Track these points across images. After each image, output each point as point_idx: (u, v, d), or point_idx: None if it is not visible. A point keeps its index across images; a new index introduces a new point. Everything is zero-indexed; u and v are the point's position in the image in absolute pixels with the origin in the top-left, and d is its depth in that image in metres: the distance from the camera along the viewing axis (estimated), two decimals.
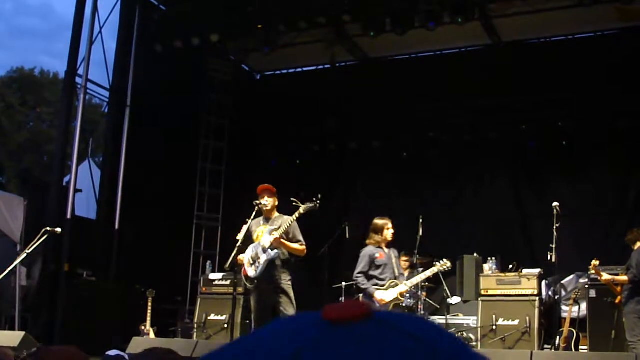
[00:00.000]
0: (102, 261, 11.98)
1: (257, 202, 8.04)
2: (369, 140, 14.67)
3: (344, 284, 11.36)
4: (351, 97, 14.32)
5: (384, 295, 8.32)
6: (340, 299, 11.27)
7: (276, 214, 8.20)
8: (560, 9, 12.02)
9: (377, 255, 8.49)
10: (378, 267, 8.47)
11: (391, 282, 8.41)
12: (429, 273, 8.94)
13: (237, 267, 8.05)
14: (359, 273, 8.45)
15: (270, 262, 7.86)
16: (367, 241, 8.70)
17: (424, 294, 10.73)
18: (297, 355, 0.61)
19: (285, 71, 15.88)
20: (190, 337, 11.32)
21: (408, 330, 0.64)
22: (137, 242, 12.43)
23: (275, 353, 0.63)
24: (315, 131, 14.95)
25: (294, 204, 7.84)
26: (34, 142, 32.79)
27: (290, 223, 7.82)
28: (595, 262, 9.51)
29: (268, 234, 7.91)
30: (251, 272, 7.97)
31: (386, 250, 8.66)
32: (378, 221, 8.75)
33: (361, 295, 8.58)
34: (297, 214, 7.79)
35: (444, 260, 9.16)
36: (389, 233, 8.65)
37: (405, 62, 14.56)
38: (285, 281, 7.90)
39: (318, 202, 7.79)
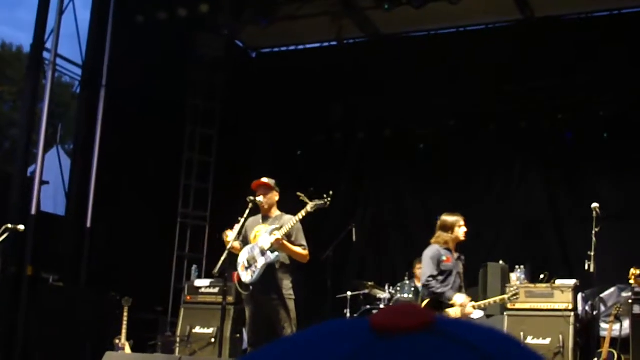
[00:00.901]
0: (71, 264, 11.92)
1: (252, 198, 7.99)
2: (379, 129, 14.62)
3: (349, 293, 11.33)
4: (360, 80, 14.25)
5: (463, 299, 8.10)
6: (345, 311, 11.23)
7: (276, 212, 8.16)
8: None
9: (444, 258, 8.33)
10: (442, 272, 8.30)
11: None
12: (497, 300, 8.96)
13: (227, 273, 8.01)
14: (429, 277, 8.19)
15: (269, 267, 7.81)
16: (433, 240, 8.52)
17: None
18: None
19: (284, 48, 15.80)
20: (171, 353, 11.26)
21: (476, 346, 0.61)
22: (112, 243, 12.38)
23: None
24: (319, 118, 14.90)
25: (300, 198, 7.78)
26: None
27: (294, 223, 7.78)
28: (635, 271, 9.35)
29: (267, 235, 7.87)
30: (246, 277, 7.93)
31: (455, 254, 8.48)
32: (448, 217, 8.58)
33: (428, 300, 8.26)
34: (303, 213, 7.75)
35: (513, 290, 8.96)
36: (461, 232, 8.50)
37: (422, 39, 14.49)
38: (286, 290, 7.87)
39: (329, 199, 7.74)
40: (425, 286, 8.36)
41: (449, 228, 8.45)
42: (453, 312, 8.00)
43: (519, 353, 0.64)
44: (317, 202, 7.75)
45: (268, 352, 0.66)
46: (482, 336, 0.63)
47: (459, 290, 8.35)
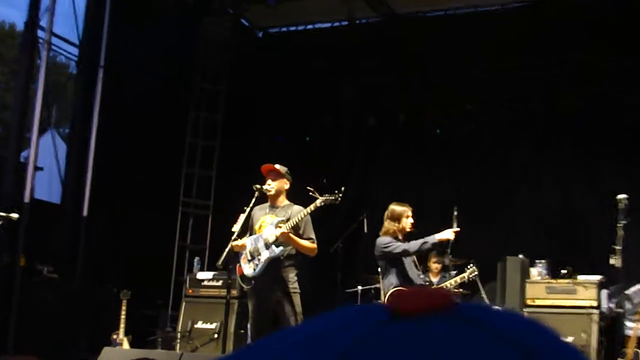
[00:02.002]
0: (67, 255, 11.93)
1: (258, 186, 7.97)
2: (392, 113, 14.58)
3: (360, 287, 11.34)
4: (372, 62, 14.21)
5: None
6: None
7: (285, 202, 8.14)
8: None
9: None
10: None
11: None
12: (457, 279, 9.24)
13: (231, 264, 8.00)
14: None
15: (273, 260, 7.79)
16: (381, 231, 8.84)
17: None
18: (346, 353, 0.60)
19: (292, 28, 15.74)
20: (172, 349, 11.28)
21: (502, 331, 0.61)
22: (110, 233, 12.39)
23: (320, 347, 0.62)
24: (328, 102, 14.87)
25: (310, 193, 7.78)
26: None
27: (303, 216, 7.76)
28: None
29: (273, 226, 7.85)
30: (248, 269, 7.92)
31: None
32: (396, 207, 8.94)
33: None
34: (311, 207, 7.76)
35: (471, 266, 9.19)
36: (408, 222, 8.88)
37: (438, 20, 14.39)
38: (292, 283, 7.85)
39: (340, 195, 7.74)
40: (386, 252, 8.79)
41: (396, 218, 8.81)
42: None
43: (544, 336, 0.64)
44: (328, 197, 7.75)
45: (280, 337, 0.67)
46: (505, 319, 0.63)
47: (418, 277, 8.84)
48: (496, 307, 0.67)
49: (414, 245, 8.69)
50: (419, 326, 0.61)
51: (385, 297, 8.69)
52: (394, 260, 8.77)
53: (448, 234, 8.81)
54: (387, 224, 8.82)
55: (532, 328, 0.64)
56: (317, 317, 0.68)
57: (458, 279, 9.39)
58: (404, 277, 8.69)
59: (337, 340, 0.62)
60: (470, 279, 9.35)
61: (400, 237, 8.81)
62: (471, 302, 0.62)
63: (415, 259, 9.08)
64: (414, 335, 0.60)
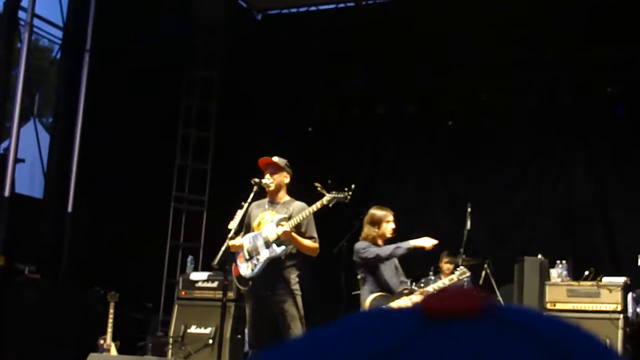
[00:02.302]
0: (50, 254, 11.94)
1: (257, 180, 7.94)
2: (402, 103, 14.56)
3: None
4: (380, 46, 14.18)
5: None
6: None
7: (285, 197, 8.12)
8: None
9: None
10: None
11: (404, 288, 8.89)
12: (446, 282, 9.50)
13: (227, 264, 7.97)
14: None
15: (274, 260, 7.77)
16: (361, 236, 9.07)
17: None
18: (381, 355, 0.61)
19: (294, 10, 15.72)
20: (163, 355, 11.28)
21: (539, 334, 0.62)
22: (97, 230, 12.38)
23: (355, 349, 0.62)
24: (333, 90, 14.86)
25: (318, 190, 7.75)
26: None
27: (306, 215, 7.73)
28: None
29: (274, 224, 7.82)
30: (245, 269, 7.90)
31: None
32: (376, 211, 9.11)
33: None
34: (318, 205, 7.74)
35: (462, 268, 9.35)
36: (388, 227, 9.04)
37: (451, 0, 14.36)
38: (293, 284, 7.83)
39: (349, 193, 7.72)
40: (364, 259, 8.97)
41: (376, 223, 8.99)
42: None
43: (586, 344, 0.64)
44: (336, 194, 7.73)
45: (307, 340, 0.68)
46: (545, 324, 0.63)
47: (399, 284, 9.00)
48: (537, 311, 0.69)
49: (385, 250, 8.80)
50: (458, 329, 0.61)
51: (365, 307, 8.70)
52: (372, 267, 8.88)
53: (425, 242, 8.93)
54: (367, 229, 8.98)
55: (574, 333, 0.64)
56: (346, 319, 0.68)
57: (447, 281, 9.56)
58: (381, 285, 8.84)
59: (375, 339, 0.62)
60: (461, 281, 9.38)
61: (380, 243, 8.94)
62: (511, 304, 0.63)
63: (398, 264, 9.18)
64: (452, 339, 0.61)
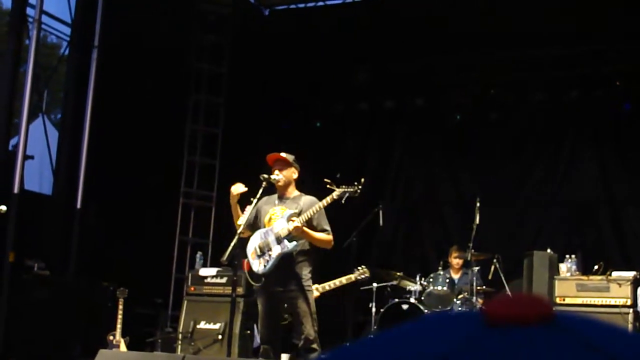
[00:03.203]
0: (59, 250, 11.94)
1: (265, 176, 7.94)
2: (410, 97, 14.56)
3: (375, 285, 11.31)
4: (388, 41, 14.16)
5: None
6: (370, 305, 11.21)
7: (295, 192, 8.11)
8: None
9: None
10: None
11: None
12: (343, 280, 9.79)
13: (236, 260, 7.97)
14: None
15: (285, 256, 7.77)
16: None
17: (481, 300, 10.68)
18: (446, 357, 0.62)
19: (302, 5, 15.70)
20: (173, 351, 11.28)
21: (597, 344, 0.63)
22: (105, 226, 12.39)
23: (420, 353, 0.64)
24: (341, 85, 14.85)
25: (327, 186, 7.76)
26: None
27: (318, 210, 7.73)
28: None
29: (285, 220, 7.81)
30: (258, 266, 7.90)
31: None
32: None
33: None
34: (328, 199, 7.73)
35: (362, 267, 9.63)
36: None
37: None
38: (306, 280, 7.83)
39: (359, 187, 7.72)
40: None
41: None
42: None
43: None
44: (346, 189, 7.72)
45: (371, 343, 0.69)
46: (609, 335, 0.64)
47: None
48: (595, 319, 0.69)
49: None
50: (518, 337, 0.63)
51: None
52: None
53: None
54: None
55: (632, 342, 0.65)
56: (410, 323, 0.71)
57: (344, 279, 9.77)
58: None
59: (439, 343, 0.64)
60: (359, 280, 9.66)
61: None
62: (571, 312, 0.63)
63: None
64: (512, 347, 0.62)
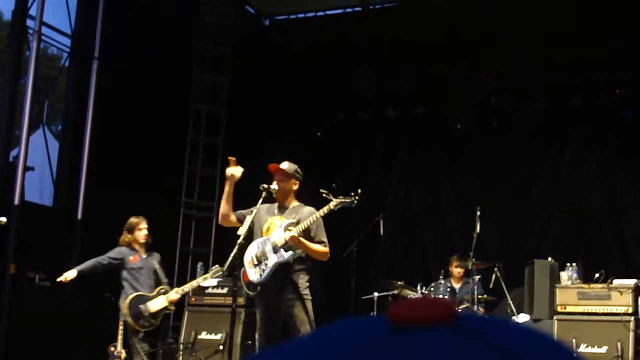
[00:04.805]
0: (60, 261, 11.92)
1: (265, 186, 7.95)
2: (411, 106, 14.54)
3: (376, 295, 11.32)
4: (388, 51, 14.17)
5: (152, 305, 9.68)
6: (372, 314, 11.20)
7: (294, 202, 8.11)
8: None
9: (131, 258, 10.00)
10: (131, 270, 9.95)
11: (161, 288, 9.86)
12: (200, 281, 10.17)
13: (237, 270, 7.98)
14: None
15: (282, 266, 7.77)
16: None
17: (482, 309, 10.67)
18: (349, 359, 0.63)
19: (302, 15, 15.73)
20: None
21: (502, 344, 0.63)
22: (106, 237, 12.37)
23: (323, 355, 0.65)
24: (341, 94, 14.84)
25: (324, 195, 7.76)
26: None
27: (314, 220, 7.73)
28: None
29: (282, 230, 7.81)
30: (254, 275, 7.91)
31: (145, 253, 10.14)
32: (132, 219, 10.29)
33: None
34: (325, 210, 7.71)
35: (217, 266, 9.57)
36: (141, 234, 10.13)
37: (460, 3, 14.35)
38: (303, 289, 7.82)
39: (356, 198, 7.70)
40: None
41: (132, 230, 10.17)
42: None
43: (549, 350, 0.65)
44: (343, 200, 7.69)
45: (283, 348, 0.69)
46: (511, 334, 0.64)
47: (156, 285, 10.00)
48: (499, 319, 0.69)
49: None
50: (421, 338, 0.63)
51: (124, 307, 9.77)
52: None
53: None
54: (124, 235, 10.19)
55: (536, 341, 0.66)
56: (324, 327, 0.70)
57: (200, 279, 10.14)
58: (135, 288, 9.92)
59: (338, 349, 0.64)
60: (215, 278, 9.79)
61: (135, 247, 10.08)
62: (473, 313, 0.66)
63: (157, 267, 10.13)
64: (414, 348, 0.62)
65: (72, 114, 12.61)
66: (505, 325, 0.66)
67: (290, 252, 7.75)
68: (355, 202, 7.69)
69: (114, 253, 10.06)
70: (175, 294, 9.79)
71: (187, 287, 10.06)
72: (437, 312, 0.65)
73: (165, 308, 9.79)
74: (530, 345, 0.64)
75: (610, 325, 10.03)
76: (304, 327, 7.73)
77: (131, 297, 9.69)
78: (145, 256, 10.09)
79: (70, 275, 9.85)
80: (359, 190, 7.76)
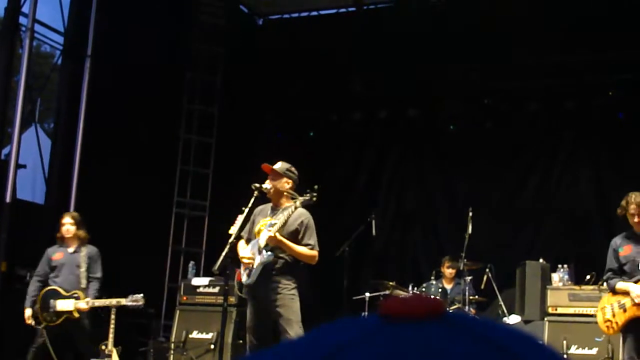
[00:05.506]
0: None
1: (257, 185, 7.94)
2: (404, 107, 14.56)
3: (367, 295, 11.32)
4: (381, 51, 14.18)
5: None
6: (363, 315, 11.21)
7: (287, 203, 8.10)
8: None
9: (55, 255, 10.07)
10: (53, 268, 9.99)
11: (74, 292, 9.85)
12: (113, 302, 9.96)
13: (229, 269, 7.97)
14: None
15: (267, 266, 7.78)
16: None
17: (473, 310, 10.68)
18: (340, 349, 0.67)
19: (296, 15, 15.73)
20: None
21: (485, 335, 0.67)
22: (98, 236, 12.37)
23: (316, 345, 0.69)
24: (335, 95, 14.84)
25: (291, 198, 7.84)
26: None
27: (286, 218, 7.75)
28: None
29: (267, 229, 7.82)
30: (244, 276, 7.92)
31: (70, 248, 10.12)
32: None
33: None
34: (290, 211, 7.76)
35: (139, 295, 9.83)
36: (63, 229, 10.13)
37: (454, 4, 14.35)
38: (287, 291, 7.82)
39: (315, 195, 7.75)
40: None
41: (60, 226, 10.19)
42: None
43: (529, 345, 0.68)
44: (304, 198, 7.79)
45: (278, 347, 0.73)
46: (495, 329, 0.68)
47: (85, 279, 10.04)
48: (487, 318, 0.72)
49: None
50: (410, 330, 0.66)
51: None
52: None
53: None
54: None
55: (517, 336, 0.69)
56: (314, 327, 0.74)
57: (114, 301, 9.95)
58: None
59: (323, 344, 0.68)
60: (130, 307, 9.90)
61: (66, 243, 10.13)
62: (461, 312, 0.69)
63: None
64: (404, 338, 0.66)
65: (64, 112, 12.58)
66: (492, 322, 0.70)
67: (269, 253, 7.75)
68: (314, 198, 7.76)
69: (39, 266, 10.12)
70: (84, 303, 9.81)
71: (99, 302, 9.98)
72: (427, 307, 0.68)
73: (70, 312, 9.80)
74: (515, 339, 0.67)
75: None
76: (291, 326, 7.73)
77: (47, 288, 9.87)
78: (71, 251, 10.13)
79: (29, 316, 9.94)
80: (315, 187, 7.79)
